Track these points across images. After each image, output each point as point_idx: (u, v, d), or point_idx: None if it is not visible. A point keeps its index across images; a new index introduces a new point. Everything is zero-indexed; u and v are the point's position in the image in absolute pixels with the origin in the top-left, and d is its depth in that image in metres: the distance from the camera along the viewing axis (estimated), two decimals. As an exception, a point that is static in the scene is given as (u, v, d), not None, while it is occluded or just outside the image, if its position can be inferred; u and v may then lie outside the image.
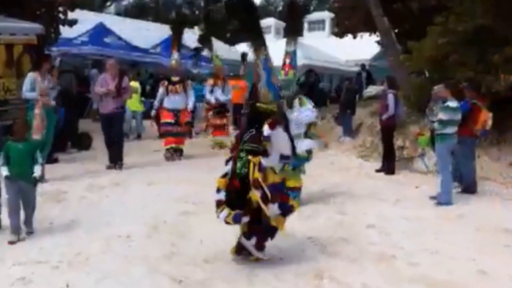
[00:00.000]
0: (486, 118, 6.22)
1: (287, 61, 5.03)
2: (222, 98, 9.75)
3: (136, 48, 13.82)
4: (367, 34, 12.85)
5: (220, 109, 9.81)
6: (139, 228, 4.56)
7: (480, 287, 3.60)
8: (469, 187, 6.30)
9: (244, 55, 11.64)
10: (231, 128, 10.32)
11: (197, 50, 10.70)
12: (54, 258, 3.84)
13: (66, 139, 8.01)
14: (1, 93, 7.13)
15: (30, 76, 6.11)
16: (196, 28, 27.34)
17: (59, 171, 6.70)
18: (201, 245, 4.23)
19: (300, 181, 4.16)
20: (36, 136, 5.95)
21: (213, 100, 9.74)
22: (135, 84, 9.93)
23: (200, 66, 12.96)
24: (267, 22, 30.00)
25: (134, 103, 10.03)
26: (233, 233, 4.56)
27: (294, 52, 5.17)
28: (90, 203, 5.42)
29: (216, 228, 4.64)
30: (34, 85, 6.06)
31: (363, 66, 15.31)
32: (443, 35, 7.67)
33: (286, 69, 4.97)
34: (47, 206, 5.21)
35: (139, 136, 10.48)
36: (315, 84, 13.01)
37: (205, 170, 7.20)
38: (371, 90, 13.06)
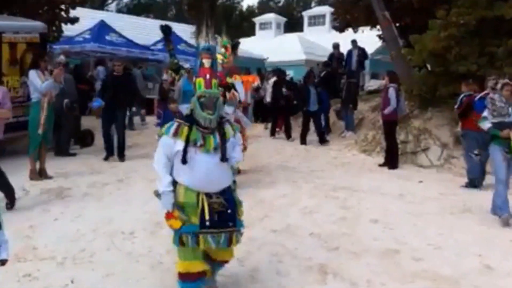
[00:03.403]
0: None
1: (206, 63, 3.14)
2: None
3: (137, 45, 13.80)
4: (368, 28, 12.78)
5: None
6: (143, 224, 4.57)
7: (486, 283, 3.56)
8: (474, 181, 6.28)
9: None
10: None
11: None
12: (59, 254, 3.85)
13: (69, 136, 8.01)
14: (5, 91, 7.12)
15: (33, 73, 6.11)
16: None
17: (62, 167, 6.71)
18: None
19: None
20: (40, 131, 5.96)
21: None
22: None
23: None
24: (268, 17, 29.97)
25: None
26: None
27: (212, 49, 3.35)
28: (94, 200, 5.42)
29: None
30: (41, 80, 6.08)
31: (354, 42, 12.23)
32: (445, 28, 7.62)
33: (207, 76, 3.08)
34: (51, 203, 5.23)
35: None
36: (332, 77, 11.66)
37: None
38: (372, 84, 13.01)
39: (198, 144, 2.96)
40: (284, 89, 10.09)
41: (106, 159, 7.42)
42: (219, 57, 5.92)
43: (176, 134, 3.00)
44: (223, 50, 6.13)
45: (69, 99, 7.50)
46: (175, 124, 3.05)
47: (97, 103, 7.45)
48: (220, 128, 3.07)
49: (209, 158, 2.99)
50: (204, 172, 2.97)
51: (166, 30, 7.78)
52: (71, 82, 7.91)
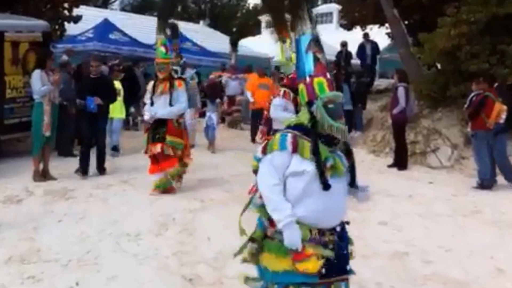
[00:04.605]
0: (499, 111, 6.09)
1: (321, 58, 2.60)
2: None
3: (141, 44, 13.77)
4: (376, 26, 12.66)
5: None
6: (148, 226, 4.53)
7: (497, 286, 3.52)
8: (485, 182, 6.18)
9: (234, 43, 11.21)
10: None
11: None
12: (63, 256, 3.82)
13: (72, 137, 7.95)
14: (7, 91, 7.09)
15: (37, 73, 6.09)
16: (201, 23, 27.27)
17: (66, 168, 6.67)
18: (210, 243, 4.19)
19: None
20: (47, 133, 5.93)
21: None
22: (116, 84, 7.73)
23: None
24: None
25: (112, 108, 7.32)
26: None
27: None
28: (98, 201, 5.38)
29: (223, 225, 4.60)
30: (43, 82, 6.05)
31: (366, 35, 11.99)
32: (455, 26, 7.51)
33: (328, 75, 2.61)
34: (54, 204, 5.20)
35: (114, 149, 7.85)
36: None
37: (212, 166, 7.17)
38: (381, 83, 12.89)
39: (328, 165, 2.31)
40: None
41: (77, 171, 6.27)
42: (294, 56, 5.32)
43: (295, 149, 2.31)
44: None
45: (63, 96, 7.29)
46: (290, 136, 2.34)
47: (92, 105, 6.34)
48: (344, 144, 2.44)
49: (335, 184, 2.33)
50: (329, 201, 2.31)
51: (172, 28, 7.68)
52: (69, 82, 7.83)
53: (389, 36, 12.73)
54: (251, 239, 2.45)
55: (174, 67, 8.64)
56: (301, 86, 2.43)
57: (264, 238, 2.42)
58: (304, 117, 2.39)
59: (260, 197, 2.42)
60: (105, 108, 6.57)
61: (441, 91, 8.06)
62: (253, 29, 29.88)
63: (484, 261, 3.88)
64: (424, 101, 8.52)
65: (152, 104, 5.56)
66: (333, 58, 12.98)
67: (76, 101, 6.66)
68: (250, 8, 38.12)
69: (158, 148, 5.47)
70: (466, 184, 6.45)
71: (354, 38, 12.88)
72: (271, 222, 2.36)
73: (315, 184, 2.29)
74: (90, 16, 13.31)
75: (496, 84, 6.50)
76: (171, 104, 5.50)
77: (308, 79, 2.41)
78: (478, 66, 7.07)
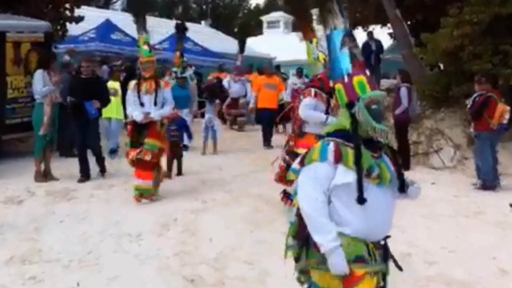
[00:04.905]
0: (503, 111, 6.06)
1: (357, 54, 2.41)
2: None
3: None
4: (378, 26, 12.63)
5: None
6: (149, 226, 4.52)
7: (501, 287, 3.50)
8: (488, 183, 6.15)
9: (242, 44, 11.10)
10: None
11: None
12: (65, 257, 3.82)
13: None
14: (9, 91, 7.11)
15: (40, 73, 6.10)
16: (203, 23, 27.27)
17: (68, 169, 6.67)
18: (211, 243, 4.18)
19: None
20: (43, 132, 5.93)
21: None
22: (113, 84, 7.84)
23: None
24: (276, 16, 29.91)
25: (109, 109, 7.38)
26: (241, 231, 4.50)
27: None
28: (100, 202, 5.38)
29: (225, 225, 4.60)
30: (45, 83, 6.06)
31: (371, 34, 11.68)
32: (458, 26, 7.48)
33: (367, 72, 2.53)
34: (56, 205, 5.21)
35: (112, 152, 7.55)
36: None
37: (214, 167, 7.16)
38: (383, 83, 12.84)
39: (374, 174, 2.08)
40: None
41: (80, 181, 6.10)
42: (321, 56, 4.95)
43: (339, 159, 2.07)
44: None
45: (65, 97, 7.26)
46: (332, 144, 2.10)
47: (93, 111, 6.18)
48: (389, 148, 2.24)
49: (382, 193, 2.12)
50: (381, 213, 2.11)
51: (181, 28, 7.67)
52: (67, 81, 7.82)
53: (391, 37, 12.72)
54: (296, 259, 2.25)
55: (174, 69, 8.69)
56: (339, 86, 2.22)
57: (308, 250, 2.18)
58: (344, 120, 2.16)
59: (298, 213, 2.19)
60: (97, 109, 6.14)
61: (444, 91, 8.03)
62: (255, 29, 29.90)
63: (487, 261, 3.86)
64: (426, 102, 8.48)
65: (142, 104, 5.24)
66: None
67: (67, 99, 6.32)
68: (252, 8, 38.11)
69: (137, 153, 5.14)
70: (469, 184, 6.41)
71: (357, 38, 12.80)
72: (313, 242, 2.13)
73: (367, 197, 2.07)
74: (92, 17, 13.32)
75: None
76: (155, 104, 5.26)
77: (346, 78, 2.19)
78: (480, 66, 7.04)
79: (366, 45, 11.84)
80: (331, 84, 2.36)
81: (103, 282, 3.44)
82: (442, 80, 8.21)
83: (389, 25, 11.28)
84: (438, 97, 8.17)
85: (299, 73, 11.13)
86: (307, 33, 5.16)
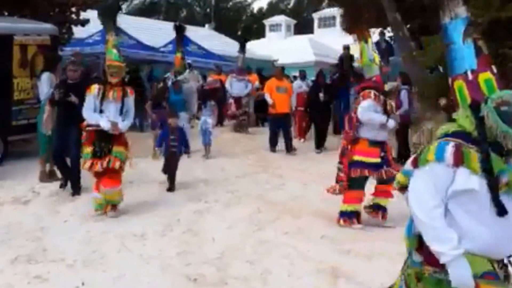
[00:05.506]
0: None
1: (484, 48, 2.31)
2: None
3: (147, 47, 13.86)
4: (379, 30, 12.66)
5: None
6: (153, 226, 4.56)
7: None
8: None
9: (243, 44, 11.10)
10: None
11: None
12: (69, 256, 3.85)
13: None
14: (15, 93, 7.20)
15: (47, 75, 6.20)
16: (207, 26, 27.36)
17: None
18: (214, 243, 4.22)
19: None
20: (44, 130, 5.98)
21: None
22: None
23: None
24: (278, 19, 29.99)
25: None
26: (244, 231, 4.54)
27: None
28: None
29: (228, 226, 4.64)
30: (51, 85, 6.14)
31: (382, 33, 11.21)
32: (458, 29, 7.52)
33: (494, 69, 2.39)
34: (61, 205, 5.25)
35: None
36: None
37: (217, 168, 7.21)
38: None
39: (504, 180, 1.82)
40: (321, 94, 8.91)
41: (62, 186, 5.75)
42: (376, 58, 4.82)
43: (460, 161, 1.82)
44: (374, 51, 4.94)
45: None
46: (451, 144, 1.85)
47: None
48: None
49: (511, 203, 1.83)
50: (503, 227, 1.82)
51: (179, 28, 7.63)
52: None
53: (391, 40, 12.75)
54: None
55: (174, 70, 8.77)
56: (459, 83, 2.05)
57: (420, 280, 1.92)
58: (466, 122, 1.91)
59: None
60: (77, 117, 5.12)
61: (444, 94, 8.06)
62: (258, 32, 29.98)
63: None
64: (426, 104, 8.52)
65: (101, 111, 4.79)
66: (336, 61, 13.00)
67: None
68: (255, 11, 38.19)
69: (104, 163, 4.76)
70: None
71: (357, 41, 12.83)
72: (426, 255, 1.89)
73: (486, 207, 1.81)
74: (98, 20, 13.39)
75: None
76: (121, 112, 4.88)
77: (470, 75, 2.00)
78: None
79: (376, 44, 11.78)
80: (449, 81, 2.12)
81: (108, 281, 3.47)
82: (442, 83, 8.23)
83: (389, 28, 11.32)
84: (438, 99, 8.20)
85: (303, 76, 11.17)
86: (362, 33, 4.95)
